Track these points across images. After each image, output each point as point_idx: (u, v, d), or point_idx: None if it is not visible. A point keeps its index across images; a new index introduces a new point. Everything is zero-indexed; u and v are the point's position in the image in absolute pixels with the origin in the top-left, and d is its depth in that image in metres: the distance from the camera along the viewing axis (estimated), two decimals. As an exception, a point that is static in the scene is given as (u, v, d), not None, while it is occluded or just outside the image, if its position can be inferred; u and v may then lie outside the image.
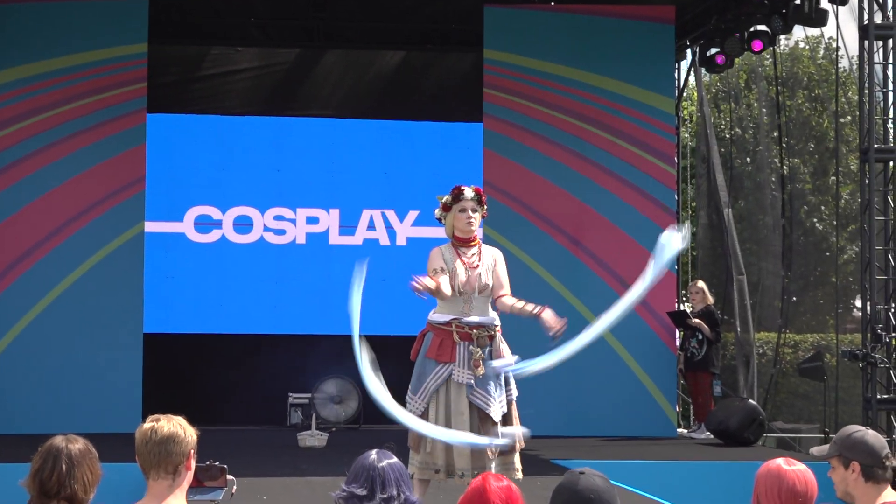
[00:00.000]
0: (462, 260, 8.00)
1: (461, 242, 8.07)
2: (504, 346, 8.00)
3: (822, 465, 4.91)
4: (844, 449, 4.76)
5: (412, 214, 15.44)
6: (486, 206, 8.14)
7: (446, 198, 8.03)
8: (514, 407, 8.18)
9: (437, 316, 7.95)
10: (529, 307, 8.09)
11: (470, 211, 7.98)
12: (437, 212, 8.10)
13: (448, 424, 7.74)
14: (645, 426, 14.19)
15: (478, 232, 8.28)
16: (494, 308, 8.16)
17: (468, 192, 7.98)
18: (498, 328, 8.08)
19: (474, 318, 7.95)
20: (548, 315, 8.07)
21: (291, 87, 15.82)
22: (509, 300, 8.13)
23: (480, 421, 7.84)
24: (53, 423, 10.81)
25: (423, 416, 7.77)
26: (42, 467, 4.53)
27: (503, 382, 8.03)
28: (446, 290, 7.76)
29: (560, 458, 11.51)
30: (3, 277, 13.74)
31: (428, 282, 7.61)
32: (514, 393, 8.12)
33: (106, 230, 13.95)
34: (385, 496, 3.98)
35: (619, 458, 11.88)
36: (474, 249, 8.14)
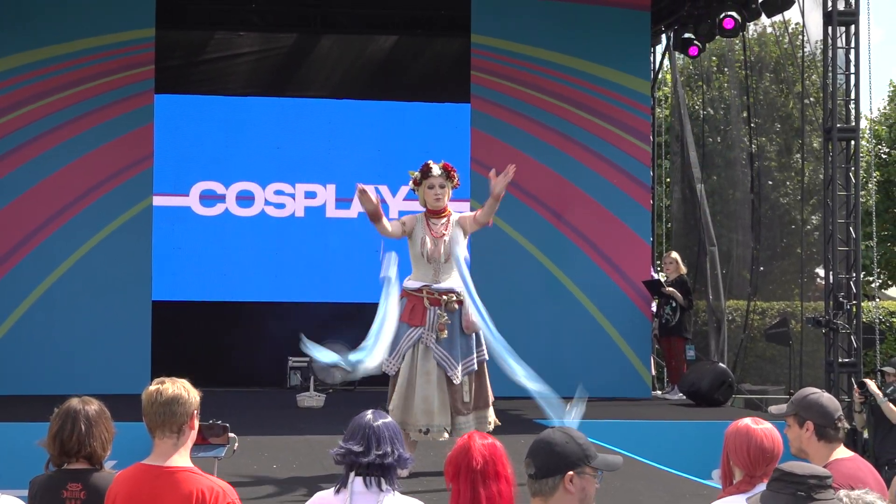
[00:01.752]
0: (431, 231, 8.09)
1: (432, 214, 8.18)
2: (472, 310, 7.90)
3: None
4: (800, 409, 4.77)
5: (404, 189, 15.38)
6: (456, 178, 8.20)
7: (416, 174, 8.17)
8: (484, 367, 8.26)
9: (409, 283, 8.10)
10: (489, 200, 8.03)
11: (437, 187, 8.10)
12: (410, 185, 8.24)
13: (413, 383, 7.88)
14: (622, 388, 14.22)
15: (451, 204, 8.37)
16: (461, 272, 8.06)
17: (435, 169, 8.10)
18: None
19: (443, 285, 8.05)
20: (492, 175, 8.09)
21: (290, 69, 15.76)
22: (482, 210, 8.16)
23: (447, 382, 7.96)
24: (67, 384, 10.82)
25: (396, 375, 7.93)
26: (61, 428, 4.53)
27: (473, 345, 8.09)
28: (385, 224, 7.96)
29: (542, 418, 11.52)
30: (20, 249, 13.72)
31: (372, 195, 7.76)
32: (486, 356, 8.16)
33: (117, 204, 13.95)
34: (380, 452, 3.99)
35: (597, 417, 11.88)
36: (444, 220, 8.20)
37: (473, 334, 8.13)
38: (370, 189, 7.85)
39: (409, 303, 8.00)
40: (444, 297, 8.04)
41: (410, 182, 8.28)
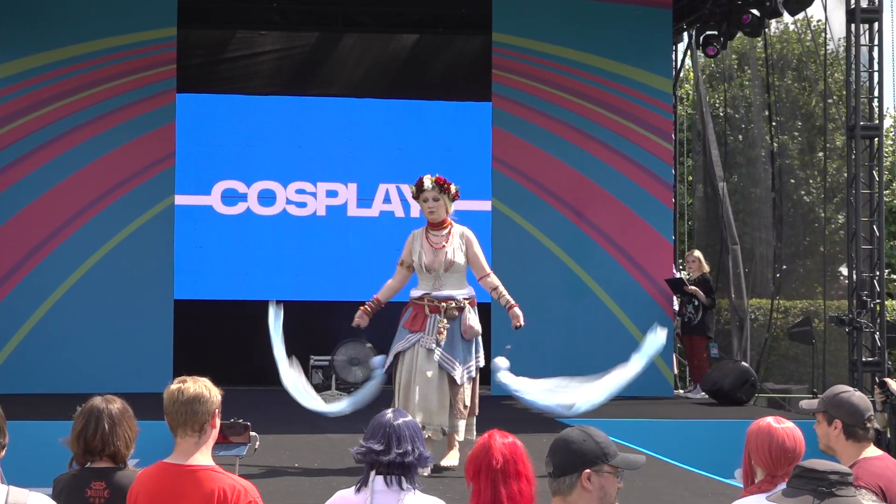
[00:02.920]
0: (430, 243, 8.42)
1: (432, 227, 8.51)
2: (472, 317, 8.41)
3: (810, 422, 4.90)
4: (830, 407, 4.75)
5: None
6: (452, 190, 8.51)
7: (412, 189, 8.52)
8: (477, 376, 8.59)
9: (413, 292, 8.51)
10: (504, 300, 8.55)
11: (431, 200, 8.42)
12: (410, 200, 8.65)
13: (410, 384, 8.21)
14: (643, 387, 14.01)
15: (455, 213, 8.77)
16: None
17: (427, 183, 8.43)
18: (469, 300, 8.45)
19: (443, 293, 8.37)
20: (515, 312, 8.49)
21: (312, 68, 15.79)
22: (491, 282, 8.61)
23: (448, 383, 8.27)
24: (90, 382, 10.88)
25: (392, 370, 8.42)
26: (85, 427, 4.54)
27: (473, 350, 8.42)
28: (396, 284, 8.64)
29: (564, 417, 11.50)
30: (42, 248, 13.78)
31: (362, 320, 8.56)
32: (482, 362, 8.54)
33: (139, 203, 14.00)
34: (400, 451, 4.00)
35: (619, 416, 11.87)
36: (444, 231, 8.51)
37: (472, 340, 8.44)
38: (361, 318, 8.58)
39: (413, 311, 8.39)
40: (444, 304, 8.34)
41: (410, 197, 8.65)
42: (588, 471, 3.52)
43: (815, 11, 16.17)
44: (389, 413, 4.13)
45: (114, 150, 13.99)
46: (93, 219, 13.93)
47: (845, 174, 14.48)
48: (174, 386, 4.29)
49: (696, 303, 14.23)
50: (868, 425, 4.68)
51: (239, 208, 15.18)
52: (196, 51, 15.32)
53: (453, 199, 8.55)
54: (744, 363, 14.25)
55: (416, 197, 8.54)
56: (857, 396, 4.75)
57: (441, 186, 8.43)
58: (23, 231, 13.75)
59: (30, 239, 13.77)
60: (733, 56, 23.66)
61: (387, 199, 15.41)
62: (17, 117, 13.83)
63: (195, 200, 15.05)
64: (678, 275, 15.33)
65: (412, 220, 15.35)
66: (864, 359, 12.91)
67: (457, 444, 8.40)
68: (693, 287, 14.24)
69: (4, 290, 13.69)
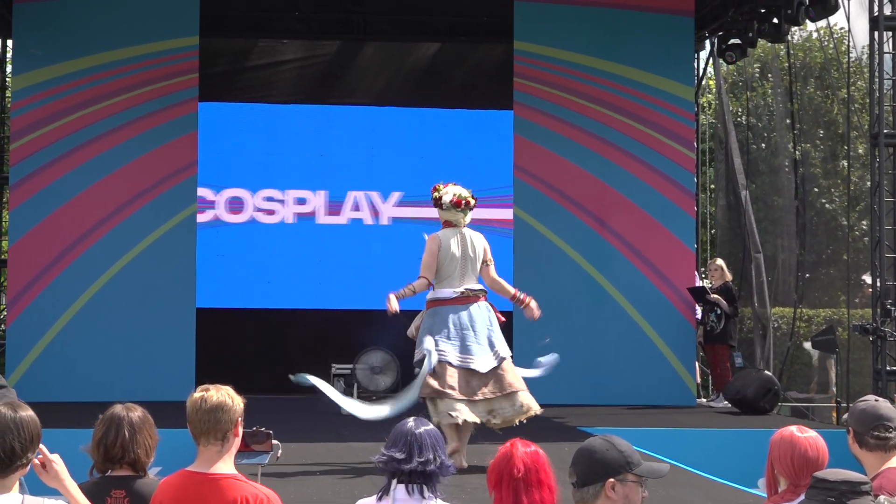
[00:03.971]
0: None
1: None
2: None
3: (834, 432, 4.88)
4: (849, 416, 4.73)
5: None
6: (469, 205, 9.17)
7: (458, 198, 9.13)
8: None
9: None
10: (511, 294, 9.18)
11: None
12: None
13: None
14: (666, 396, 14.16)
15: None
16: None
17: (445, 202, 9.15)
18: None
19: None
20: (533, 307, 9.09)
21: (334, 77, 15.82)
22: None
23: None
24: (112, 391, 10.89)
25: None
26: (105, 435, 4.55)
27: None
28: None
29: (586, 426, 11.51)
30: (66, 256, 13.82)
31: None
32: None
33: (161, 211, 14.04)
34: (422, 459, 3.99)
35: (641, 425, 11.87)
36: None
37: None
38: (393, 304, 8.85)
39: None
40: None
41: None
42: (612, 480, 3.51)
43: (837, 19, 16.18)
44: (411, 421, 4.13)
45: (136, 159, 14.04)
46: (115, 227, 13.97)
47: (868, 182, 14.42)
48: (197, 394, 4.29)
49: (719, 311, 14.19)
50: (878, 434, 4.57)
51: (262, 216, 15.22)
52: (218, 59, 15.37)
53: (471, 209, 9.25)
54: (767, 372, 14.20)
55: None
56: (869, 406, 4.65)
57: (459, 205, 9.16)
58: (46, 239, 13.80)
59: (53, 247, 13.82)
60: (755, 65, 23.61)
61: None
62: (40, 126, 13.89)
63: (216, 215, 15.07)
64: (700, 283, 15.29)
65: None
66: (888, 368, 12.84)
67: None
68: (715, 295, 14.20)
69: (28, 298, 13.74)
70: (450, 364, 8.63)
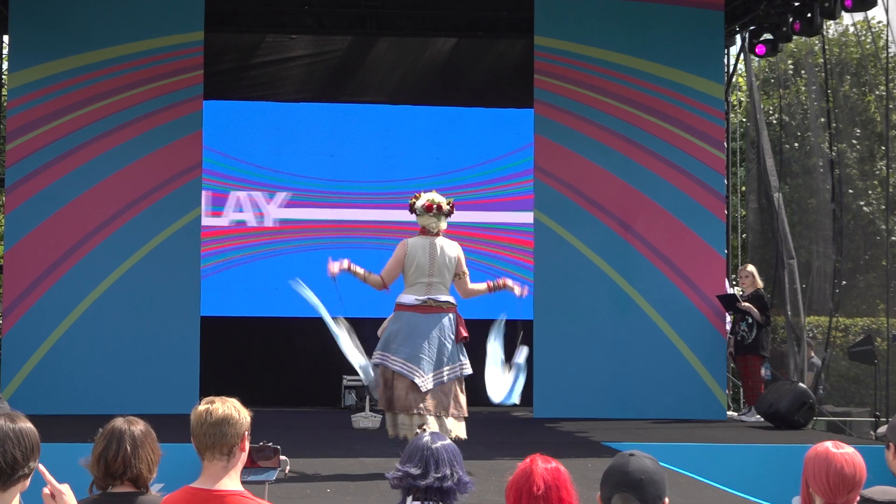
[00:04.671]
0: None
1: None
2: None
3: (872, 448, 4.87)
4: (888, 430, 4.73)
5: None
6: (442, 210, 9.30)
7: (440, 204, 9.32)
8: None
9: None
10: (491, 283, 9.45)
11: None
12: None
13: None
14: (695, 409, 14.14)
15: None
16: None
17: (417, 207, 9.38)
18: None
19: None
20: (509, 282, 9.42)
21: (345, 73, 15.85)
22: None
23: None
24: (112, 404, 10.94)
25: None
26: (106, 449, 4.56)
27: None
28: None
29: (610, 441, 11.49)
30: (64, 261, 13.85)
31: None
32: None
33: (164, 215, 14.05)
34: (438, 475, 4.00)
35: (669, 440, 11.84)
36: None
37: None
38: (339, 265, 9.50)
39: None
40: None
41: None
42: (666, 499, 3.53)
43: (875, 12, 16.11)
44: (427, 436, 4.13)
45: (138, 160, 14.06)
46: (116, 231, 13.99)
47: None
48: (202, 407, 4.30)
49: (750, 320, 14.16)
50: None
51: (268, 219, 15.25)
52: (224, 56, 15.42)
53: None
54: (801, 384, 14.16)
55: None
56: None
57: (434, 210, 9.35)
58: (43, 244, 13.84)
59: (50, 252, 13.85)
60: (789, 61, 23.57)
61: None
62: (37, 125, 13.93)
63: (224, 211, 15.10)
64: (731, 291, 15.26)
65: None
66: (929, 380, 12.80)
67: None
68: (746, 304, 14.17)
69: (24, 306, 13.77)
70: (395, 373, 9.04)
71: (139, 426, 4.65)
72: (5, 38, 15.33)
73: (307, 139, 15.37)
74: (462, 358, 9.11)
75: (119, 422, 4.64)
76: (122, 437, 4.56)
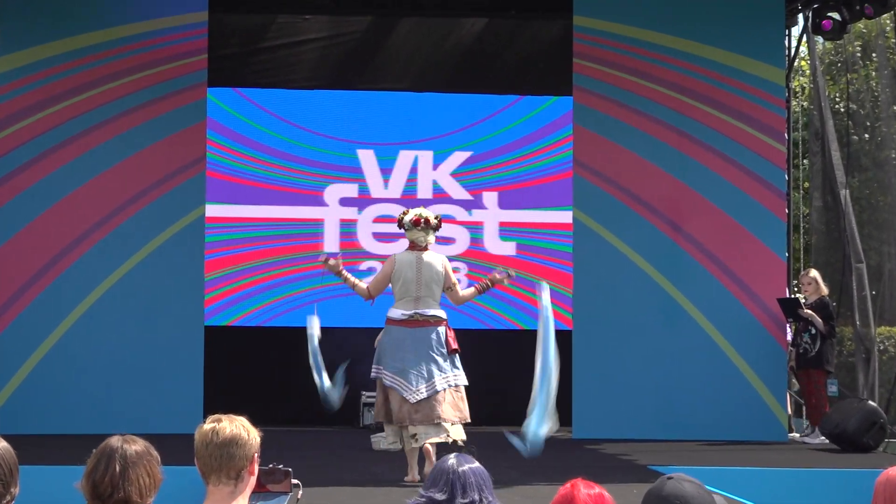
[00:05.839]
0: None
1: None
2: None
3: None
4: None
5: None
6: (430, 224, 10.28)
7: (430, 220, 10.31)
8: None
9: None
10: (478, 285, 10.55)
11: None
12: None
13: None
14: (752, 429, 14.10)
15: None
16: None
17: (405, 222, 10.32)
18: None
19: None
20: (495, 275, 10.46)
21: (363, 58, 15.86)
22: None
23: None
24: (109, 422, 10.93)
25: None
26: (95, 468, 4.56)
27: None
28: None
29: (658, 464, 11.48)
30: (54, 266, 13.91)
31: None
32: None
33: (164, 214, 14.09)
34: (466, 501, 4.00)
35: (723, 464, 11.82)
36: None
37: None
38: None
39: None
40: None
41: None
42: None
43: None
44: (452, 458, 4.14)
45: (137, 153, 14.11)
46: (112, 232, 14.04)
47: None
48: (207, 426, 4.30)
49: (813, 331, 14.12)
50: None
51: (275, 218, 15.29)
52: (230, 39, 15.46)
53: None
54: (871, 402, 14.11)
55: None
56: None
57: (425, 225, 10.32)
58: (30, 247, 13.89)
59: (39, 256, 13.91)
60: (857, 42, 23.49)
61: (450, 209, 15.48)
62: (25, 115, 14.00)
63: (228, 210, 15.15)
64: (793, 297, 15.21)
65: (470, 233, 15.39)
66: None
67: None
68: (809, 311, 14.13)
69: (11, 315, 13.84)
70: (386, 386, 10.14)
71: (136, 446, 4.65)
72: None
73: (321, 130, 15.39)
74: (455, 370, 10.10)
75: (114, 440, 4.64)
76: (113, 455, 4.55)
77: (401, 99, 15.58)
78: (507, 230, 15.13)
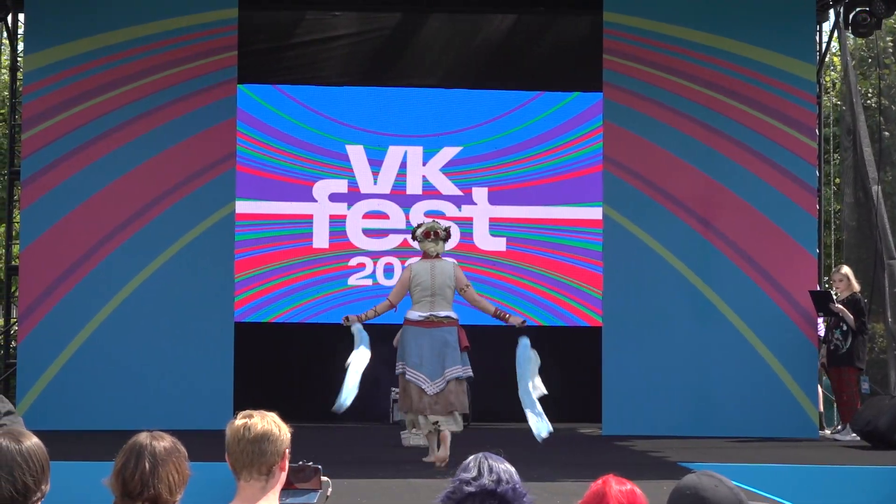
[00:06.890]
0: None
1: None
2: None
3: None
4: None
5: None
6: (439, 235, 11.40)
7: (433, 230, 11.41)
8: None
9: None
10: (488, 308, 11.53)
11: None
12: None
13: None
14: (783, 426, 14.05)
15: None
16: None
17: (417, 235, 11.49)
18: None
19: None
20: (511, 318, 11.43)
21: (393, 54, 15.87)
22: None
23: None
24: (138, 418, 10.98)
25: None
26: (125, 465, 4.57)
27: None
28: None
29: (688, 461, 11.44)
30: (85, 262, 13.93)
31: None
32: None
33: (194, 211, 14.10)
34: (493, 478, 4.00)
35: (754, 461, 11.78)
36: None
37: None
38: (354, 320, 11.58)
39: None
40: None
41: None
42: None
43: None
44: (482, 455, 4.14)
45: (166, 150, 14.13)
46: (141, 229, 14.06)
47: None
48: (239, 422, 4.30)
49: (845, 328, 14.05)
50: None
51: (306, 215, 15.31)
52: (259, 35, 15.48)
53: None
54: (903, 400, 14.04)
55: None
56: None
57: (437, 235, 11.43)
58: (61, 244, 13.93)
59: (69, 253, 13.95)
60: (888, 37, 23.39)
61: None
62: (54, 113, 14.03)
63: (258, 207, 15.17)
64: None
65: (498, 230, 15.37)
66: None
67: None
68: (840, 306, 14.06)
69: (41, 311, 13.88)
70: (408, 381, 11.20)
71: (164, 442, 4.66)
72: (20, 16, 15.45)
73: (351, 126, 15.40)
74: (465, 365, 11.22)
75: (142, 436, 4.64)
76: (142, 452, 4.56)
77: (430, 95, 15.58)
78: (534, 227, 15.12)
